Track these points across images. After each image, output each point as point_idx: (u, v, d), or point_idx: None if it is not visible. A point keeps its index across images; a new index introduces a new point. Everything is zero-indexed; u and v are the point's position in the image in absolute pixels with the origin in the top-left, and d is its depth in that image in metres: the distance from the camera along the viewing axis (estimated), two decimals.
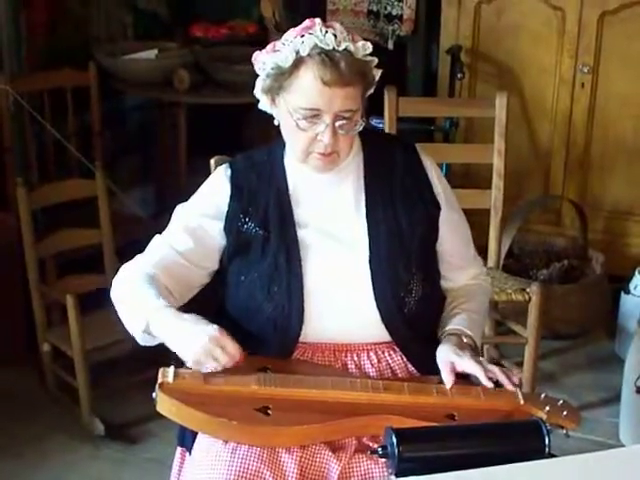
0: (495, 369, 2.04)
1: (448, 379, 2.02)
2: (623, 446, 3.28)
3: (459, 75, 4.15)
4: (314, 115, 2.02)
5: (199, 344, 1.93)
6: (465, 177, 4.05)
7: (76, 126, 4.02)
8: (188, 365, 1.97)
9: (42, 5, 4.28)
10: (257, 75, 2.12)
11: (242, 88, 3.94)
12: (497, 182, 3.38)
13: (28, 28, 4.03)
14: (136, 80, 4.28)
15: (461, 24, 4.31)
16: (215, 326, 1.95)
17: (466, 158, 3.67)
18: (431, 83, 4.54)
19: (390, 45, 4.48)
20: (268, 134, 4.00)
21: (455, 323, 2.17)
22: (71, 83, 4.01)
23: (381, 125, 3.45)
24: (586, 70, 4.12)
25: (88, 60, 4.08)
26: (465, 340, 2.13)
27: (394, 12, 4.45)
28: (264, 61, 2.07)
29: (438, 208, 2.18)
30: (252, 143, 4.30)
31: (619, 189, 4.25)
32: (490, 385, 2.01)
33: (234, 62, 4.20)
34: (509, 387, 2.02)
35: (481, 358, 2.09)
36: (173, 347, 1.98)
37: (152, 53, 4.32)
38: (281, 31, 4.20)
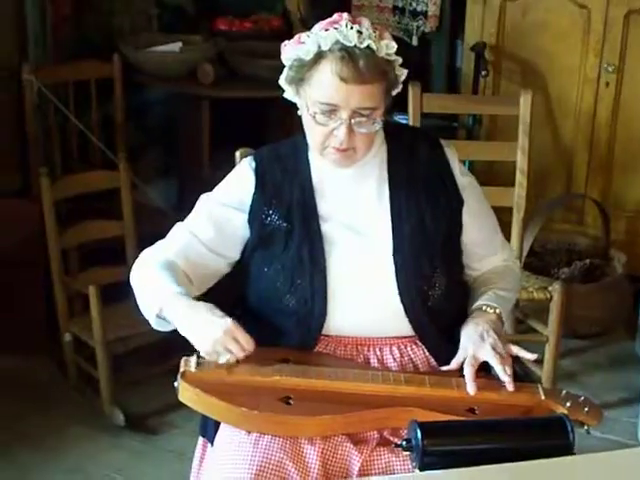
0: (509, 362, 2.04)
1: (470, 383, 2.00)
2: None
3: (483, 72, 4.14)
4: (331, 110, 2.02)
5: (213, 335, 1.94)
6: (488, 174, 4.03)
7: (99, 118, 4.04)
8: (201, 354, 1.98)
9: None
10: (280, 69, 2.12)
11: (266, 82, 3.94)
12: (520, 180, 3.36)
13: (54, 19, 4.05)
14: (160, 73, 4.28)
15: (486, 21, 4.29)
16: (229, 318, 1.96)
17: (489, 155, 3.65)
18: (455, 80, 4.54)
19: (414, 41, 4.48)
20: (291, 128, 4.02)
21: (482, 299, 2.17)
22: (95, 75, 4.02)
23: (405, 121, 3.44)
24: (611, 69, 4.10)
25: (112, 52, 4.09)
26: (489, 311, 2.13)
27: (419, 8, 4.45)
28: (288, 52, 2.08)
29: (461, 203, 2.18)
30: (275, 137, 4.27)
31: None
32: (506, 379, 2.01)
33: (258, 56, 4.21)
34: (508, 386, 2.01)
35: (500, 346, 2.06)
36: (186, 335, 1.99)
37: (176, 46, 4.32)
38: (306, 26, 4.23)
